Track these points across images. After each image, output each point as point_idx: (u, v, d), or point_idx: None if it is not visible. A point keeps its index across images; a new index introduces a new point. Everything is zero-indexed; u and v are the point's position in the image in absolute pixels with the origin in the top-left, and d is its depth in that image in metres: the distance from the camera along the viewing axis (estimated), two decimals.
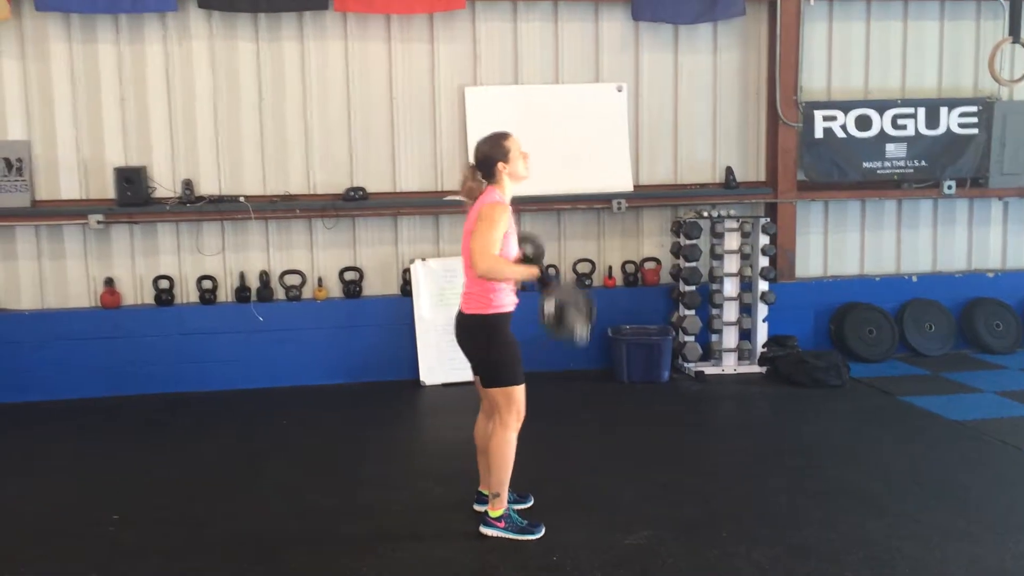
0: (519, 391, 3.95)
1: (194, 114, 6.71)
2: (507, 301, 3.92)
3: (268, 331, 6.73)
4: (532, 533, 3.97)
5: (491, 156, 3.92)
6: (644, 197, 7.15)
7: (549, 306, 3.80)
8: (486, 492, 4.12)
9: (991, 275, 7.75)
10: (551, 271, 3.85)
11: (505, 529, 3.97)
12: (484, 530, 4.00)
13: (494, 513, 3.99)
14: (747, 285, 7.00)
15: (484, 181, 3.96)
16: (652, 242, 7.35)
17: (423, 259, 6.90)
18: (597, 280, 7.18)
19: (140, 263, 6.78)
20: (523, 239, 4.05)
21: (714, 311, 6.96)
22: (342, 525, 4.20)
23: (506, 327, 3.93)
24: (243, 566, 3.81)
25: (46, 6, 6.26)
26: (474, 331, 3.93)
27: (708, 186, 7.30)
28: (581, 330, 3.81)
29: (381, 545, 3.96)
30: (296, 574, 3.74)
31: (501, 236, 3.80)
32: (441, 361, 6.78)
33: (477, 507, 4.23)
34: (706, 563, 3.74)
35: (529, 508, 4.28)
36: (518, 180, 3.99)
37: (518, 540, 3.94)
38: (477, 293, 3.90)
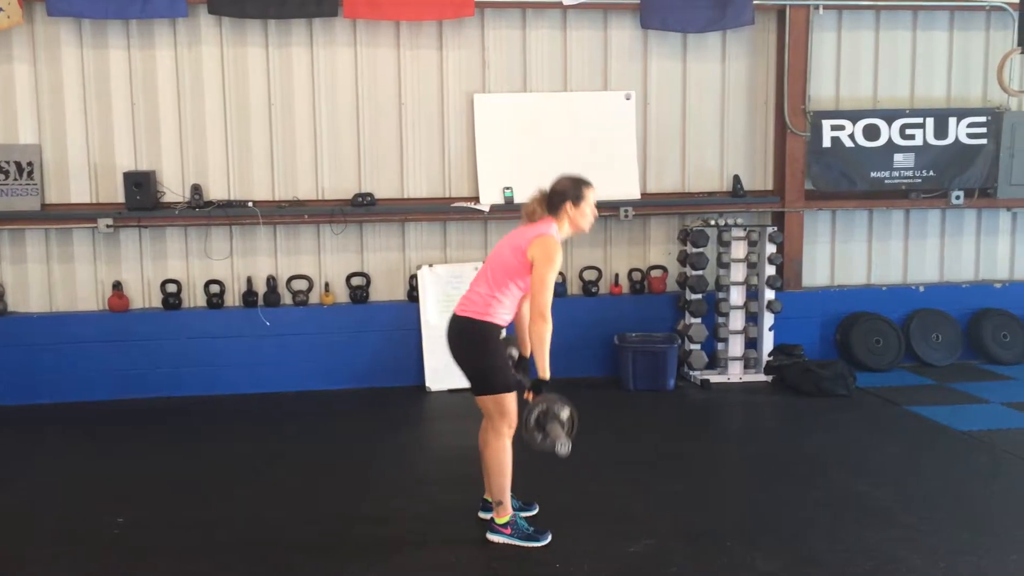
0: (510, 398, 3.95)
1: (204, 119, 6.74)
2: (503, 317, 3.96)
3: (275, 336, 6.75)
4: (538, 540, 3.98)
5: (566, 193, 3.94)
6: (651, 205, 7.15)
7: (535, 413, 3.80)
8: (491, 500, 4.13)
9: (999, 285, 7.73)
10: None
11: (511, 536, 3.98)
12: (491, 537, 4.01)
13: (500, 520, 4.00)
14: (753, 294, 6.99)
15: (546, 212, 3.98)
16: (659, 250, 7.35)
17: (430, 265, 6.91)
18: (603, 287, 7.20)
19: (148, 267, 6.81)
20: (507, 341, 4.10)
21: (720, 319, 6.95)
22: (348, 530, 4.21)
23: (496, 337, 3.97)
24: (249, 570, 3.82)
25: (58, 11, 6.30)
26: (464, 335, 3.96)
27: (715, 194, 7.30)
28: (561, 446, 3.78)
29: (387, 551, 3.97)
30: None
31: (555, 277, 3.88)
32: (447, 367, 6.74)
33: (482, 514, 4.24)
34: (711, 572, 3.73)
35: (534, 515, 4.28)
36: (575, 229, 4.02)
37: (524, 547, 3.95)
38: (478, 299, 3.93)
